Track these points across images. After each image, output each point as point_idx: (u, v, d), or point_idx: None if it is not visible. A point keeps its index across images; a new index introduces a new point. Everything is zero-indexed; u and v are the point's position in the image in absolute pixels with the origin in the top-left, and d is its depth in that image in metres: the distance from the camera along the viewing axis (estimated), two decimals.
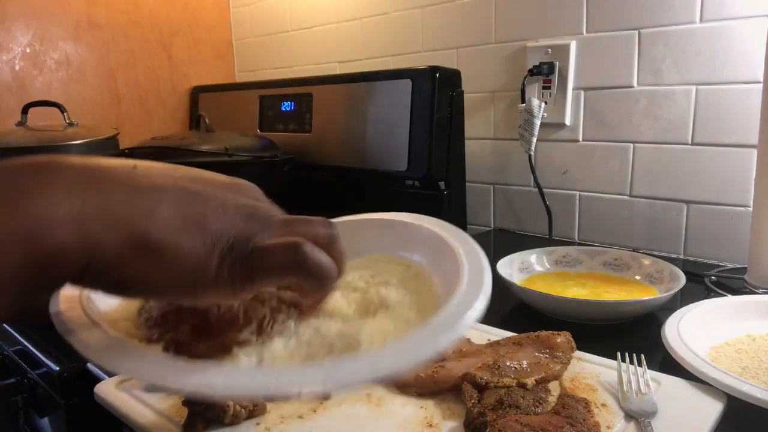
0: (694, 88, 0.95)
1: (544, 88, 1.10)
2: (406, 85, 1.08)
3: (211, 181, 0.29)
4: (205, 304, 0.31)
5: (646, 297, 0.73)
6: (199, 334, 0.31)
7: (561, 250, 0.90)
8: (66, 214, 0.24)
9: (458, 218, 1.15)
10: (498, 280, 0.78)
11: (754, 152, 0.88)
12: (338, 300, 0.37)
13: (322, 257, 0.29)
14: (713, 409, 0.48)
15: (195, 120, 1.53)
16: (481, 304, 0.36)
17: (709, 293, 0.80)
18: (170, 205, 0.26)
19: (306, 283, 0.30)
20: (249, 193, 0.31)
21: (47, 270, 0.24)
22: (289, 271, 0.28)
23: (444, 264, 0.41)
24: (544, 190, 1.14)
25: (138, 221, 0.25)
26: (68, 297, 0.32)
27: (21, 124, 1.20)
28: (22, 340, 0.69)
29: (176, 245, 0.26)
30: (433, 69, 1.08)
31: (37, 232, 0.23)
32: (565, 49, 1.07)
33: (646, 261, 0.84)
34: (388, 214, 0.48)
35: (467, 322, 0.34)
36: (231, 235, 0.27)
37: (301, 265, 0.28)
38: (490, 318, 0.72)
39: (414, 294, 0.39)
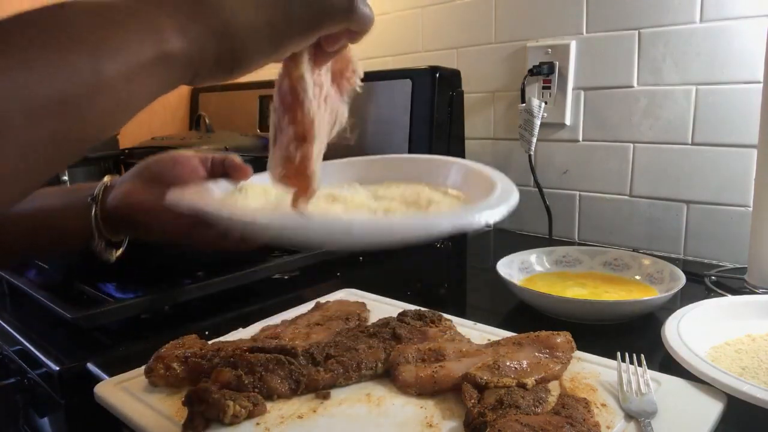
0: (694, 88, 0.95)
1: (544, 88, 1.10)
2: (406, 85, 1.08)
3: None
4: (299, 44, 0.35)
5: (646, 297, 0.73)
6: None
7: (561, 250, 0.90)
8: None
9: None
10: (498, 280, 0.79)
11: (754, 152, 0.88)
12: (397, 204, 0.46)
13: (368, 9, 0.35)
14: (713, 409, 0.48)
15: (195, 120, 1.53)
16: (516, 195, 0.43)
17: (709, 293, 0.80)
18: None
19: (357, 27, 0.36)
20: None
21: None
22: (347, 16, 0.34)
23: (473, 182, 0.50)
24: (544, 190, 1.14)
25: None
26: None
27: None
28: (22, 340, 0.69)
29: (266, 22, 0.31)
30: (433, 69, 1.08)
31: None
32: (565, 49, 1.07)
33: (646, 261, 0.84)
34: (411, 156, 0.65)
35: (512, 202, 0.41)
36: None
37: (356, 12, 0.34)
38: (490, 318, 0.72)
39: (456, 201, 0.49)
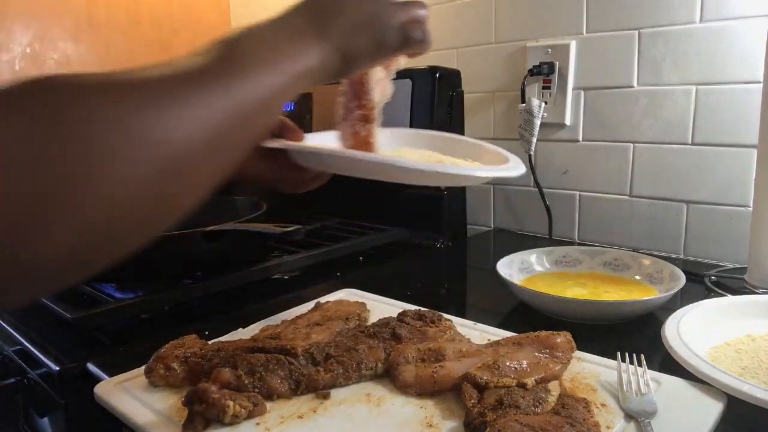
0: (694, 88, 0.95)
1: (544, 88, 1.10)
2: (406, 85, 1.08)
3: None
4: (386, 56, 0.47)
5: (646, 297, 0.73)
6: None
7: (561, 250, 0.90)
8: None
9: (458, 218, 1.15)
10: (498, 280, 0.79)
11: (754, 152, 0.88)
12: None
13: (428, 32, 0.47)
14: (713, 409, 0.48)
15: None
16: (523, 166, 0.60)
17: (709, 293, 0.80)
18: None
19: (417, 48, 0.47)
20: None
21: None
22: (422, 50, 0.48)
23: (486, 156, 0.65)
24: (544, 190, 1.14)
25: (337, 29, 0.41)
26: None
27: None
28: (22, 340, 0.69)
29: (370, 48, 0.44)
30: (433, 69, 1.08)
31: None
32: (565, 49, 1.07)
33: (646, 261, 0.84)
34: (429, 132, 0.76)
35: (520, 169, 0.59)
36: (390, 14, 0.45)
37: (417, 38, 0.47)
38: (490, 318, 0.72)
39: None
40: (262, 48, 0.34)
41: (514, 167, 0.59)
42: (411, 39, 0.46)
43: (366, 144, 0.50)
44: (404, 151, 0.63)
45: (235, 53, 0.32)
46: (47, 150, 0.23)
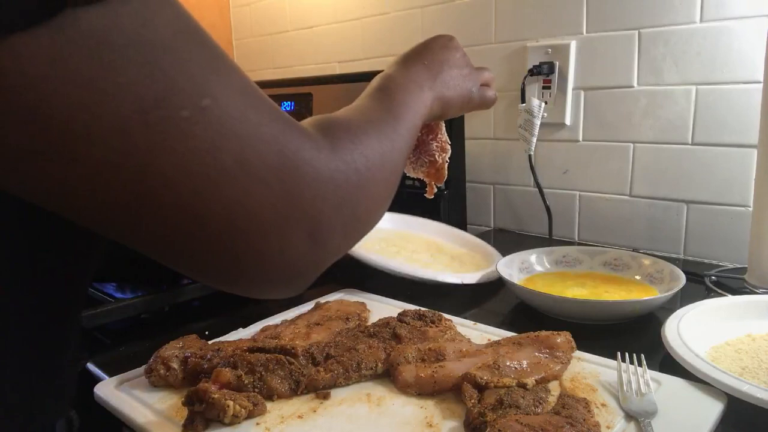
0: (694, 88, 0.95)
1: (544, 88, 1.10)
2: None
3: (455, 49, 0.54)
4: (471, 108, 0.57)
5: (646, 297, 0.73)
6: None
7: (561, 250, 0.90)
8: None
9: (458, 218, 1.15)
10: (498, 280, 0.79)
11: (754, 152, 0.88)
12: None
13: (493, 94, 0.58)
14: (713, 409, 0.48)
15: None
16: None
17: (709, 293, 0.80)
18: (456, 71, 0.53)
19: (488, 106, 0.58)
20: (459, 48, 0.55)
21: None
22: (487, 107, 0.58)
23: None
24: (544, 190, 1.14)
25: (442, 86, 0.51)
26: None
27: None
28: None
29: (460, 100, 0.53)
30: None
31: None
32: (565, 49, 1.07)
33: (646, 261, 0.84)
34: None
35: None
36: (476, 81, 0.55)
37: (491, 97, 0.58)
38: (490, 318, 0.72)
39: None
40: (406, 97, 0.44)
41: (472, 278, 0.81)
42: (487, 97, 0.57)
43: (438, 171, 0.60)
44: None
45: (393, 102, 0.42)
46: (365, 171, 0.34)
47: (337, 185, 0.31)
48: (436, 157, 0.60)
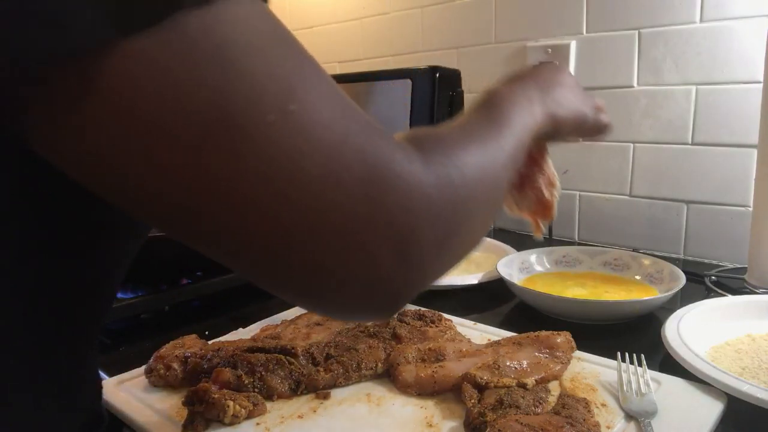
0: (694, 88, 0.95)
1: None
2: (406, 85, 1.08)
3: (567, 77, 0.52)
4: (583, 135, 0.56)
5: (646, 297, 0.73)
6: None
7: (561, 250, 0.90)
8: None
9: None
10: (498, 280, 0.79)
11: (754, 152, 0.88)
12: None
13: (608, 120, 0.56)
14: (713, 409, 0.48)
15: None
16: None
17: (709, 293, 0.80)
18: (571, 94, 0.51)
19: (602, 131, 0.56)
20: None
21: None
22: (603, 135, 0.57)
23: None
24: None
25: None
26: None
27: None
28: None
29: (573, 121, 0.50)
30: (433, 69, 1.08)
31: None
32: (565, 49, 1.07)
33: (646, 261, 0.83)
34: None
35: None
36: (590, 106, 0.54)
37: (605, 121, 0.56)
38: (490, 318, 0.72)
39: None
40: (512, 109, 0.41)
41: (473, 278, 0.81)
42: (602, 122, 0.55)
43: (547, 208, 0.57)
44: None
45: (497, 113, 0.40)
46: (474, 182, 0.32)
47: (429, 200, 0.28)
48: (544, 192, 0.55)
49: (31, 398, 0.32)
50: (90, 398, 0.40)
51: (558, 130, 0.49)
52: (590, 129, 0.54)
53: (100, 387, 0.41)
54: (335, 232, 0.26)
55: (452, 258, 0.32)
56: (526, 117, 0.42)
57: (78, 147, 0.24)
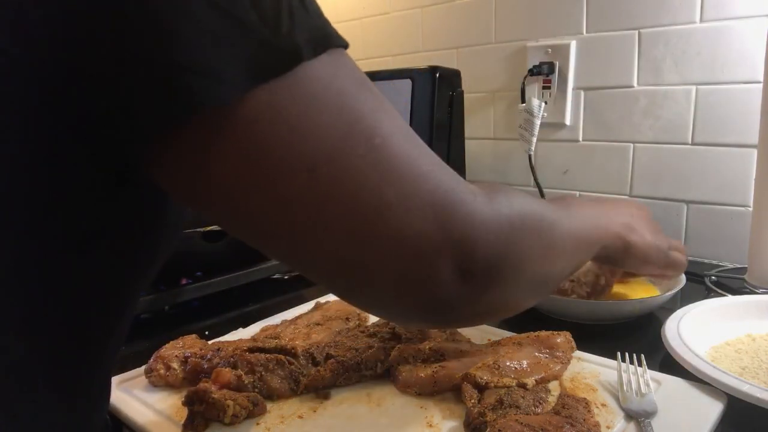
0: (694, 88, 0.95)
1: (544, 88, 1.10)
2: (406, 85, 1.08)
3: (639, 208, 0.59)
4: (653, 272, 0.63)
5: (646, 297, 0.73)
6: None
7: None
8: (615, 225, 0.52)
9: None
10: None
11: (754, 152, 0.88)
12: None
13: (684, 259, 0.63)
14: (713, 409, 0.48)
15: None
16: None
17: (709, 293, 0.80)
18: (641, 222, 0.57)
19: (676, 268, 0.62)
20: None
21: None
22: (678, 272, 0.65)
23: None
24: (544, 190, 1.14)
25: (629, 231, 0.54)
26: None
27: None
28: None
29: (646, 251, 0.56)
30: (433, 69, 1.08)
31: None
32: (565, 49, 1.07)
33: None
34: None
35: None
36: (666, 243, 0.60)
37: (680, 260, 0.62)
38: None
39: None
40: (584, 209, 0.47)
41: None
42: (676, 259, 0.60)
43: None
44: None
45: (572, 209, 0.45)
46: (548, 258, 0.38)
47: (487, 231, 0.32)
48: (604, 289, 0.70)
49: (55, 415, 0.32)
50: (103, 413, 0.40)
51: (628, 253, 0.53)
52: (663, 264, 0.59)
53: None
54: (408, 248, 0.29)
55: (502, 297, 0.35)
56: (596, 219, 0.47)
57: (203, 183, 0.28)
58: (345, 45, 0.30)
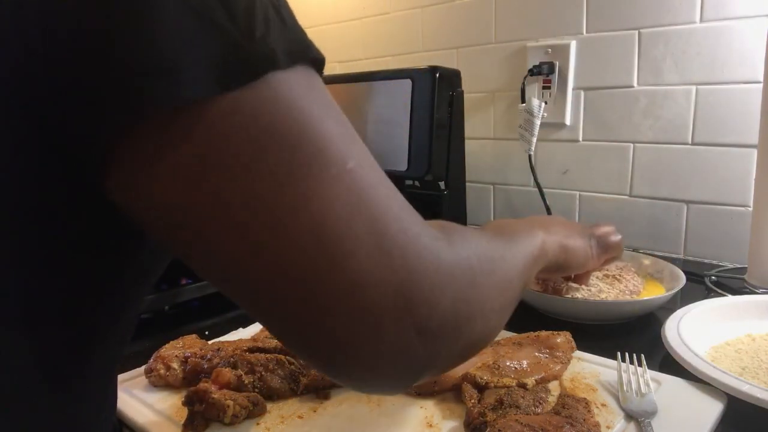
0: (694, 88, 0.95)
1: (544, 88, 1.10)
2: (406, 85, 1.08)
3: (565, 222, 0.59)
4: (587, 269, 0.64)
5: (646, 297, 0.73)
6: None
7: None
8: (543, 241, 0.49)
9: (458, 218, 1.15)
10: None
11: (754, 152, 0.88)
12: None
13: (617, 238, 0.64)
14: (713, 409, 0.48)
15: None
16: None
17: (709, 293, 0.80)
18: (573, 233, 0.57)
19: (613, 250, 0.63)
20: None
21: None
22: (618, 252, 0.64)
23: None
24: (544, 190, 1.14)
25: (564, 242, 0.54)
26: None
27: None
28: None
29: (581, 247, 0.58)
30: (433, 69, 1.08)
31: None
32: (565, 49, 1.07)
33: (646, 261, 0.83)
34: None
35: None
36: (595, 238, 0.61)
37: (614, 241, 0.63)
38: None
39: None
40: (517, 229, 0.46)
41: None
42: (610, 242, 0.62)
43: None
44: None
45: (504, 231, 0.44)
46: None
47: (453, 277, 0.30)
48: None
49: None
50: (110, 416, 0.40)
51: (569, 258, 0.54)
52: (603, 251, 0.61)
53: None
54: (370, 293, 0.27)
55: (469, 341, 0.33)
56: (530, 237, 0.47)
57: (160, 195, 0.26)
58: (322, 59, 0.29)
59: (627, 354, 0.56)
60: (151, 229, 0.28)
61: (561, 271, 0.56)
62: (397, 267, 0.27)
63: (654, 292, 0.75)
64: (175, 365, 0.55)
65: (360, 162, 0.28)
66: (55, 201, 0.27)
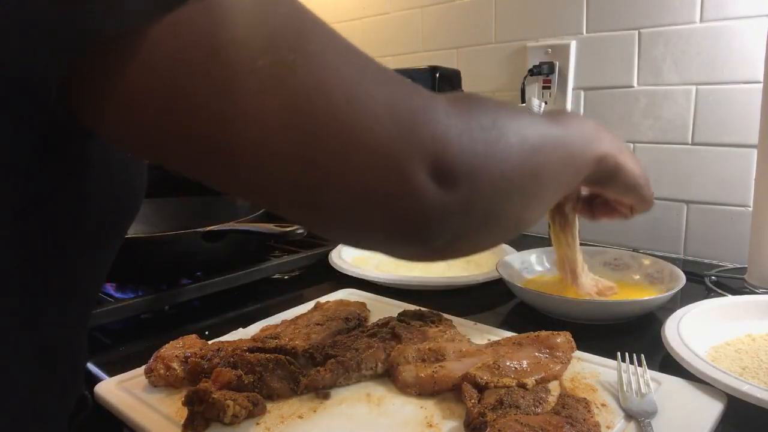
0: (694, 88, 0.95)
1: (544, 88, 1.10)
2: None
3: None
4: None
5: (646, 297, 0.73)
6: None
7: None
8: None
9: None
10: (498, 280, 0.79)
11: (754, 152, 0.88)
12: None
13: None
14: (713, 409, 0.48)
15: None
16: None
17: (709, 293, 0.80)
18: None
19: (644, 209, 0.61)
20: None
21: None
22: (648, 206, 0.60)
23: None
24: None
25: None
26: None
27: None
28: None
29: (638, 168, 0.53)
30: (433, 69, 1.08)
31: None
32: (565, 49, 1.07)
33: (646, 261, 0.83)
34: None
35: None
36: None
37: (651, 203, 0.59)
38: (490, 318, 0.72)
39: None
40: (579, 124, 0.43)
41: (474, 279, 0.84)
42: (651, 192, 0.58)
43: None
44: None
45: (563, 118, 0.41)
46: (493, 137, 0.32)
47: (468, 127, 0.29)
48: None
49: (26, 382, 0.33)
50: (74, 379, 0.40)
51: (616, 176, 0.50)
52: (645, 192, 0.56)
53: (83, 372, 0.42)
54: (366, 154, 0.26)
55: (489, 200, 0.31)
56: (589, 134, 0.43)
57: (126, 116, 0.25)
58: None
59: (627, 354, 0.56)
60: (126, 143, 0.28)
61: (599, 186, 0.54)
62: (387, 124, 0.27)
63: (654, 292, 0.75)
64: (175, 365, 0.55)
65: (324, 45, 0.28)
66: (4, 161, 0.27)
